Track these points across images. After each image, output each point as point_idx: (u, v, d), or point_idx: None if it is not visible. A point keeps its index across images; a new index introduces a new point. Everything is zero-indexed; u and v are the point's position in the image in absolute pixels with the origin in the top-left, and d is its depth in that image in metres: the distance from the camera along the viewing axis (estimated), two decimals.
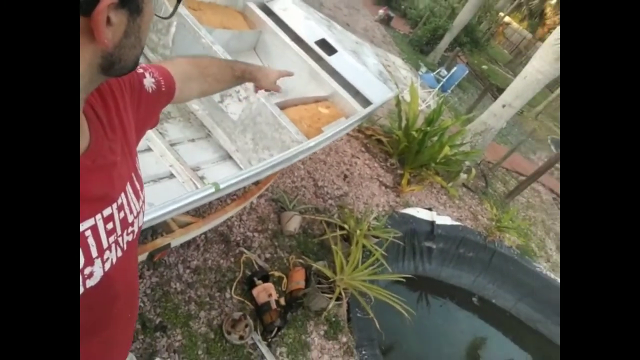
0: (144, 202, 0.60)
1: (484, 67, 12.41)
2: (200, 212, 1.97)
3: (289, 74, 1.04)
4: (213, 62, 0.86)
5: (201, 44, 1.91)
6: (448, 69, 7.34)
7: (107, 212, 0.49)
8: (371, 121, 4.42)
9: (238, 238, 2.27)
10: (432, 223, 3.64)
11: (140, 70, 0.63)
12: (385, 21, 9.73)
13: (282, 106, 2.10)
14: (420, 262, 3.67)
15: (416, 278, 3.43)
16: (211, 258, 2.07)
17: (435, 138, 3.88)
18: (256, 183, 2.44)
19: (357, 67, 2.70)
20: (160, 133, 1.79)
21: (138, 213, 0.57)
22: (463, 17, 9.02)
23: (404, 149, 3.93)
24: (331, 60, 2.65)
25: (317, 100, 2.41)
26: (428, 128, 3.74)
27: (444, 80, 6.56)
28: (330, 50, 2.71)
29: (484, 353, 3.79)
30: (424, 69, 7.92)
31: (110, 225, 0.49)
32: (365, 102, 2.50)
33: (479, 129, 5.01)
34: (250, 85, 1.80)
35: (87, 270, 0.46)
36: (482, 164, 5.34)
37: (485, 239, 3.95)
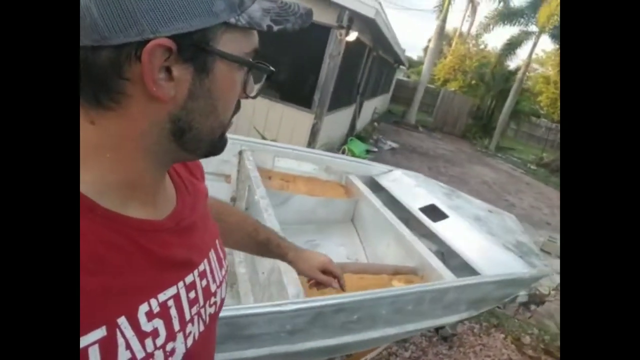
0: (226, 271, 0.56)
1: None
2: None
3: (338, 275, 0.84)
4: (235, 211, 0.83)
5: (254, 201, 1.86)
6: None
7: (189, 279, 0.44)
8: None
9: None
10: None
11: None
12: None
13: (348, 269, 1.65)
14: None
15: None
16: None
17: None
18: None
19: (472, 233, 2.01)
20: None
21: (221, 282, 0.53)
22: None
23: None
24: (436, 226, 2.10)
25: (396, 272, 1.80)
26: None
27: None
28: (439, 216, 2.19)
29: None
30: None
31: (192, 294, 0.45)
32: (471, 272, 1.71)
33: None
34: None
35: (168, 347, 0.40)
36: None
37: None
